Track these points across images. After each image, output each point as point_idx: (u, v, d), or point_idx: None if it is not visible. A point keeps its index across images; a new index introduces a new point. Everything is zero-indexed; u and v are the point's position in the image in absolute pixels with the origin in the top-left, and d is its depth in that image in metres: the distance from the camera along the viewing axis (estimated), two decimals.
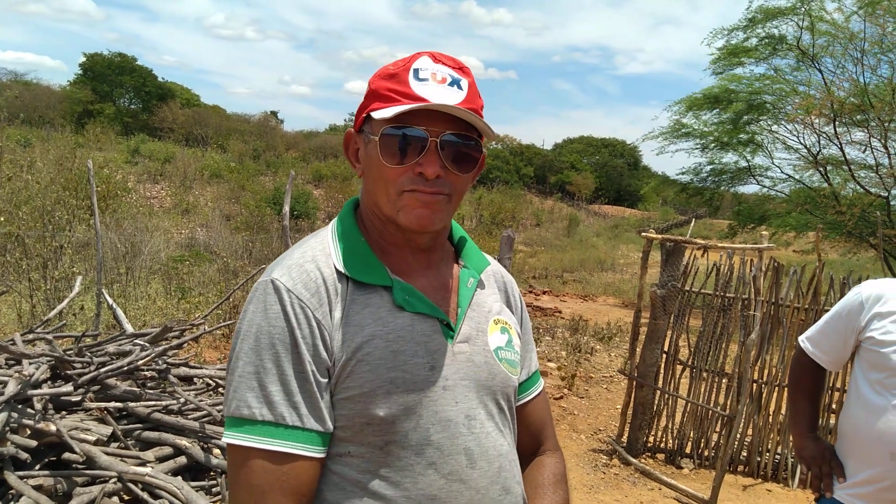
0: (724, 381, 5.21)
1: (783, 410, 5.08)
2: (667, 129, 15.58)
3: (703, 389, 5.23)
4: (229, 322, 5.64)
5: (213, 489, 3.31)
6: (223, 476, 3.31)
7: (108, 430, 3.22)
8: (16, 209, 8.14)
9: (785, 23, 13.04)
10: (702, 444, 5.25)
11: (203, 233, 15.91)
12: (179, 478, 3.15)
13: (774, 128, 14.44)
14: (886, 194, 12.59)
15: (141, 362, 3.61)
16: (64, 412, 3.37)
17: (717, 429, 5.21)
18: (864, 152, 12.88)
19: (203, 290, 8.89)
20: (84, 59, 45.29)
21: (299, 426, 0.97)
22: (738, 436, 5.05)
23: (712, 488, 4.48)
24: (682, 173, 16.84)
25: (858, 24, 12.13)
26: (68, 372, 3.48)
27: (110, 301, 5.16)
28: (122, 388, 3.57)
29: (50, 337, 3.88)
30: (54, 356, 3.41)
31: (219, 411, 3.58)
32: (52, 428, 2.93)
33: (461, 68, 1.07)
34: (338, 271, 1.05)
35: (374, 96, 1.06)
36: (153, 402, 3.54)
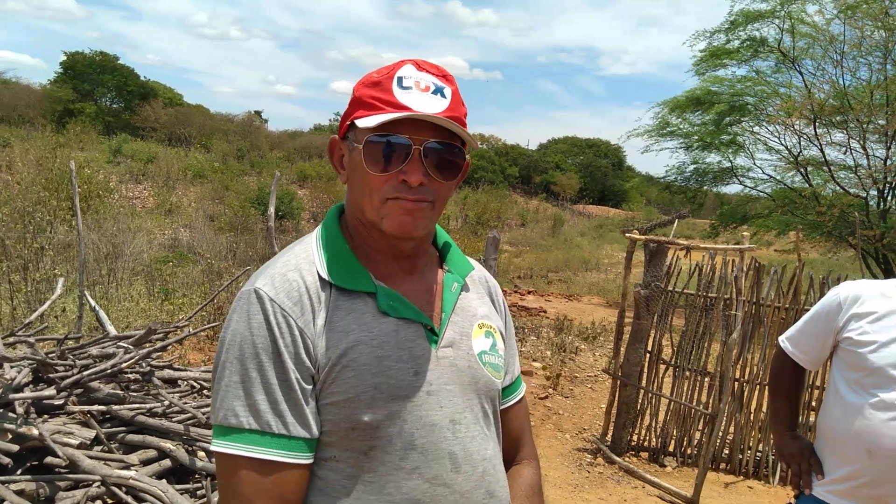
0: (706, 379, 5.26)
1: (764, 408, 5.14)
2: (652, 127, 15.72)
3: (685, 388, 5.29)
4: (214, 324, 5.60)
5: (199, 492, 3.29)
6: (208, 479, 3.29)
7: (91, 434, 3.18)
8: None
9: (766, 25, 13.22)
10: (685, 443, 5.31)
11: (186, 233, 15.73)
12: (164, 481, 3.12)
13: (756, 129, 14.62)
14: (865, 195, 12.79)
15: (124, 365, 3.57)
16: (46, 416, 3.33)
17: (700, 427, 5.27)
18: (843, 153, 13.10)
19: (187, 291, 8.81)
20: (65, 57, 44.60)
21: (285, 434, 0.97)
22: (721, 434, 5.11)
23: (695, 486, 4.54)
24: (667, 173, 16.99)
25: (838, 27, 12.32)
26: (51, 375, 3.44)
27: (93, 303, 5.10)
28: (106, 391, 3.54)
29: (32, 340, 3.82)
30: (36, 359, 3.37)
31: (203, 414, 3.55)
32: (35, 432, 2.90)
33: (445, 76, 1.08)
34: (321, 278, 1.05)
35: (359, 104, 1.06)
36: (137, 405, 3.51)
